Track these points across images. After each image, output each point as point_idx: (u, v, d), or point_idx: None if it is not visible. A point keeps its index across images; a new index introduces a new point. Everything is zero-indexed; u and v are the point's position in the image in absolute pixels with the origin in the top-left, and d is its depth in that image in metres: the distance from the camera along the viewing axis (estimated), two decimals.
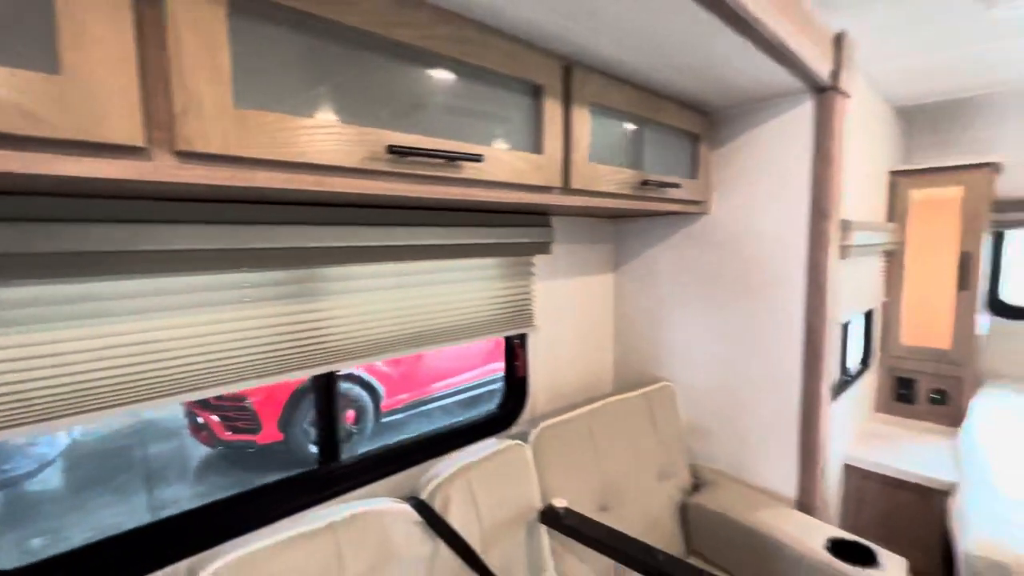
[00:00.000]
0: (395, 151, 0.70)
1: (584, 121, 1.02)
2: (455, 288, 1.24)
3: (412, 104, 0.77)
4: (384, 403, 4.98)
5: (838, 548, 1.22)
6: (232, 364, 0.88)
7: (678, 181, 1.30)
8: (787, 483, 1.46)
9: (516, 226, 1.31)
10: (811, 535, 1.26)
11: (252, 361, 0.90)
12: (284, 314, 0.94)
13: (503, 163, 0.88)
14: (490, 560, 1.01)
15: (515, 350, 1.52)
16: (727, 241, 1.51)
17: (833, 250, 1.36)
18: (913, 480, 1.82)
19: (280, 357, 0.94)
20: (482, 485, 1.06)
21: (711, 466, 1.61)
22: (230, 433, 4.09)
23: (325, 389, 1.10)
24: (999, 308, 2.62)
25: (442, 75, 0.81)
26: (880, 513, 1.90)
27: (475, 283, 1.29)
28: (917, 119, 2.47)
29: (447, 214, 1.15)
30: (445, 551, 0.95)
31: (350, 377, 4.74)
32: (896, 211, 2.26)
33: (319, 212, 0.93)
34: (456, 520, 0.99)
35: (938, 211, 2.21)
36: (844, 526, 1.98)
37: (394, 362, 5.13)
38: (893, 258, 2.27)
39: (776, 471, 1.48)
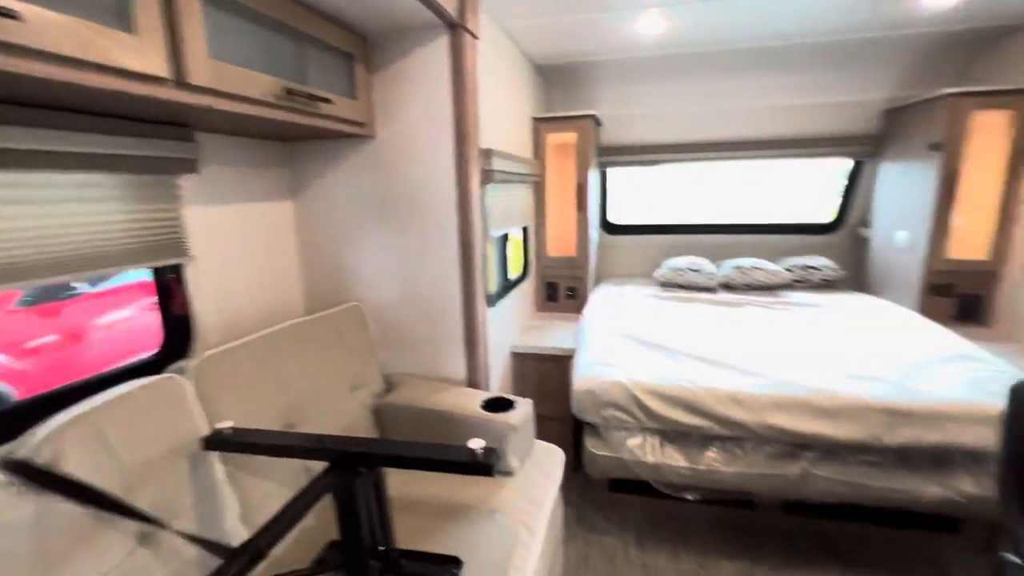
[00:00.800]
0: None
1: (194, 8, 0.92)
2: (51, 210, 0.99)
3: None
4: None
5: (490, 405, 1.56)
6: None
7: (331, 97, 1.32)
8: (458, 369, 1.76)
9: (139, 136, 1.11)
10: (472, 401, 1.58)
11: None
12: None
13: (64, 30, 0.72)
14: (141, 499, 0.92)
15: (170, 286, 1.34)
16: (393, 164, 1.64)
17: (475, 174, 1.63)
18: (553, 353, 2.45)
19: None
20: (118, 426, 0.93)
21: (401, 371, 1.81)
22: None
23: None
24: (608, 226, 3.65)
25: None
26: (536, 382, 2.50)
27: (87, 204, 1.05)
28: (552, 76, 3.10)
29: (22, 111, 0.89)
30: (62, 506, 0.81)
31: None
32: (538, 150, 2.84)
33: None
34: (80, 469, 0.85)
35: (564, 151, 2.88)
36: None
37: (29, 352, 3.81)
38: (538, 187, 2.88)
39: (450, 362, 1.76)
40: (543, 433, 1.70)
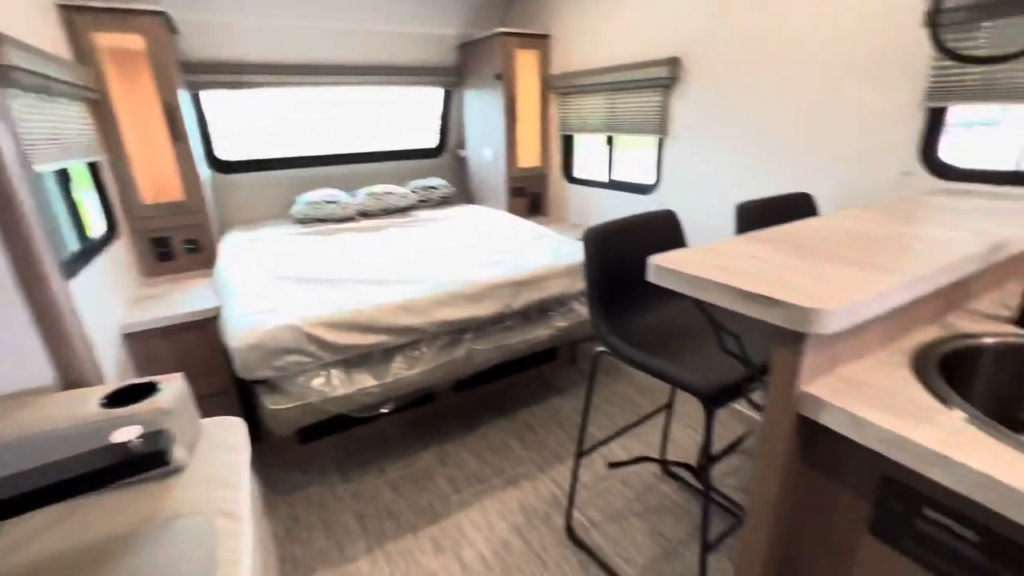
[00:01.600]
0: None
1: None
2: None
3: None
4: None
5: (118, 398, 1.14)
6: None
7: None
8: (38, 375, 1.19)
9: None
10: (85, 404, 1.11)
11: None
12: None
13: None
14: None
15: None
16: None
17: None
18: (190, 320, 1.98)
19: None
20: None
21: None
22: None
23: None
24: (217, 164, 3.06)
25: None
26: (177, 360, 1.98)
27: None
28: None
29: None
30: None
31: None
32: (85, 54, 2.02)
33: None
34: None
35: (132, 61, 2.15)
36: None
37: None
38: (101, 108, 2.09)
39: (18, 368, 1.17)
40: (204, 415, 1.39)
